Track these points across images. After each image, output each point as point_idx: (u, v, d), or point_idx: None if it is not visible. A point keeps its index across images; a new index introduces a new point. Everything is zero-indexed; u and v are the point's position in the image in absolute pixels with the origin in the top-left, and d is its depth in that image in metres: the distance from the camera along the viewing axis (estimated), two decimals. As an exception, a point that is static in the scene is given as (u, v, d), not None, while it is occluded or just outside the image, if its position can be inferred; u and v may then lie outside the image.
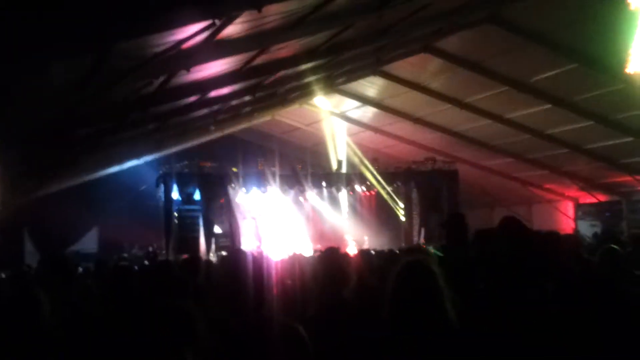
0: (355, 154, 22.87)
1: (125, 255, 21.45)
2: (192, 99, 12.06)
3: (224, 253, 18.78)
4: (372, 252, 12.37)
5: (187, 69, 8.84)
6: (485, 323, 3.34)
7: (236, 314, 3.55)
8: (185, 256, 11.66)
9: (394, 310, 3.28)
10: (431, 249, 8.55)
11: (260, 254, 17.72)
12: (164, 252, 20.34)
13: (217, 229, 21.76)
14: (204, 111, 14.47)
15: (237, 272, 3.67)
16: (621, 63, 13.41)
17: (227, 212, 22.00)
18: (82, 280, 7.65)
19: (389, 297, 3.32)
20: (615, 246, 6.07)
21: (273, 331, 3.53)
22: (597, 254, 6.25)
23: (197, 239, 20.69)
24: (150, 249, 21.31)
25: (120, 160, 19.17)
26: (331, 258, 5.94)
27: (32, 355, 3.13)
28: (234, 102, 14.99)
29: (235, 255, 3.96)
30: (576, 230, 21.18)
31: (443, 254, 5.80)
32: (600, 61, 14.19)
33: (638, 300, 4.00)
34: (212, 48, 8.50)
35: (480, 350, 3.15)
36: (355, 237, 22.44)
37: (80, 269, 11.13)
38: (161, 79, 9.30)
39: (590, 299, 3.88)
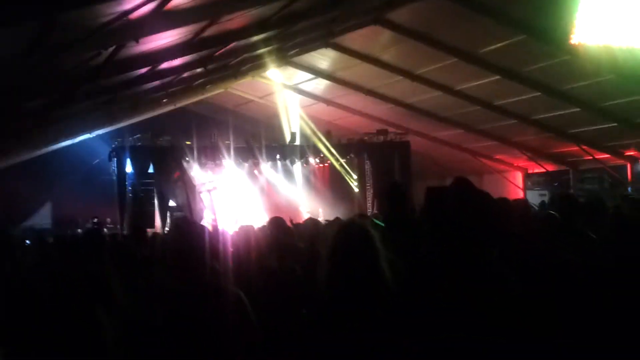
0: (308, 126, 22.93)
1: (79, 230, 21.32)
2: (143, 70, 12.00)
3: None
4: (325, 221, 12.52)
5: (136, 40, 8.78)
6: (427, 288, 3.36)
7: (182, 282, 3.65)
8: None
9: (330, 272, 3.33)
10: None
11: (214, 227, 17.77)
12: (118, 226, 20.28)
13: (172, 203, 21.74)
14: (156, 83, 14.39)
15: (183, 241, 3.77)
16: (566, 34, 13.68)
17: (182, 186, 21.96)
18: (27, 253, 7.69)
19: (325, 259, 3.39)
20: (552, 212, 6.23)
21: (214, 297, 3.64)
22: (538, 220, 6.42)
23: (151, 212, 20.61)
24: (95, 219, 21.11)
25: (72, 134, 18.98)
26: (276, 226, 6.07)
27: None
28: (185, 75, 14.92)
29: (182, 225, 4.05)
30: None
31: (385, 223, 5.86)
32: (547, 33, 14.35)
33: (570, 266, 4.08)
34: (161, 18, 8.48)
35: (421, 318, 3.18)
36: (310, 209, 22.57)
37: (28, 242, 11.12)
38: (110, 50, 9.24)
39: (533, 265, 3.98)
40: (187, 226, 4.00)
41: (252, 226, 9.01)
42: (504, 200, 6.20)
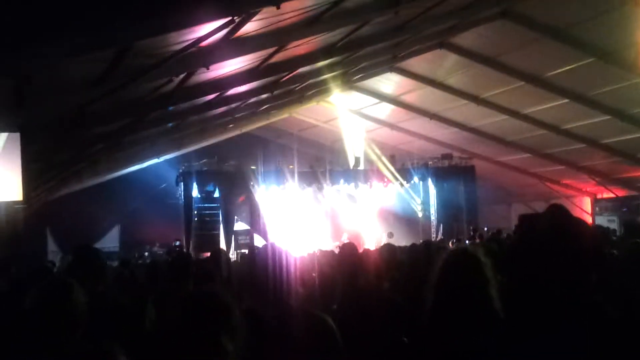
0: (372, 150, 22.91)
1: (146, 253, 21.69)
2: (211, 96, 12.22)
3: (244, 251, 18.93)
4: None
5: (207, 66, 8.97)
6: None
7: (264, 305, 3.63)
8: (205, 254, 11.77)
9: (439, 298, 3.26)
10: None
11: (281, 250, 17.77)
12: (184, 249, 20.52)
13: (236, 227, 21.92)
14: (223, 109, 14.63)
15: (263, 265, 3.76)
16: (637, 57, 13.42)
17: (247, 210, 22.17)
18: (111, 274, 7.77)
19: (433, 286, 3.30)
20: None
21: (302, 321, 3.61)
22: (623, 248, 6.22)
23: (216, 236, 20.87)
24: (178, 242, 21.28)
25: (141, 159, 19.45)
26: (350, 253, 6.02)
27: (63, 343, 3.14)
28: (252, 100, 15.12)
29: (262, 250, 4.04)
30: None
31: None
32: (617, 55, 14.15)
33: None
34: (231, 45, 8.63)
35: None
36: (373, 234, 22.52)
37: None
38: (181, 77, 9.45)
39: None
40: (270, 252, 3.95)
41: (320, 251, 9.04)
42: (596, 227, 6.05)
